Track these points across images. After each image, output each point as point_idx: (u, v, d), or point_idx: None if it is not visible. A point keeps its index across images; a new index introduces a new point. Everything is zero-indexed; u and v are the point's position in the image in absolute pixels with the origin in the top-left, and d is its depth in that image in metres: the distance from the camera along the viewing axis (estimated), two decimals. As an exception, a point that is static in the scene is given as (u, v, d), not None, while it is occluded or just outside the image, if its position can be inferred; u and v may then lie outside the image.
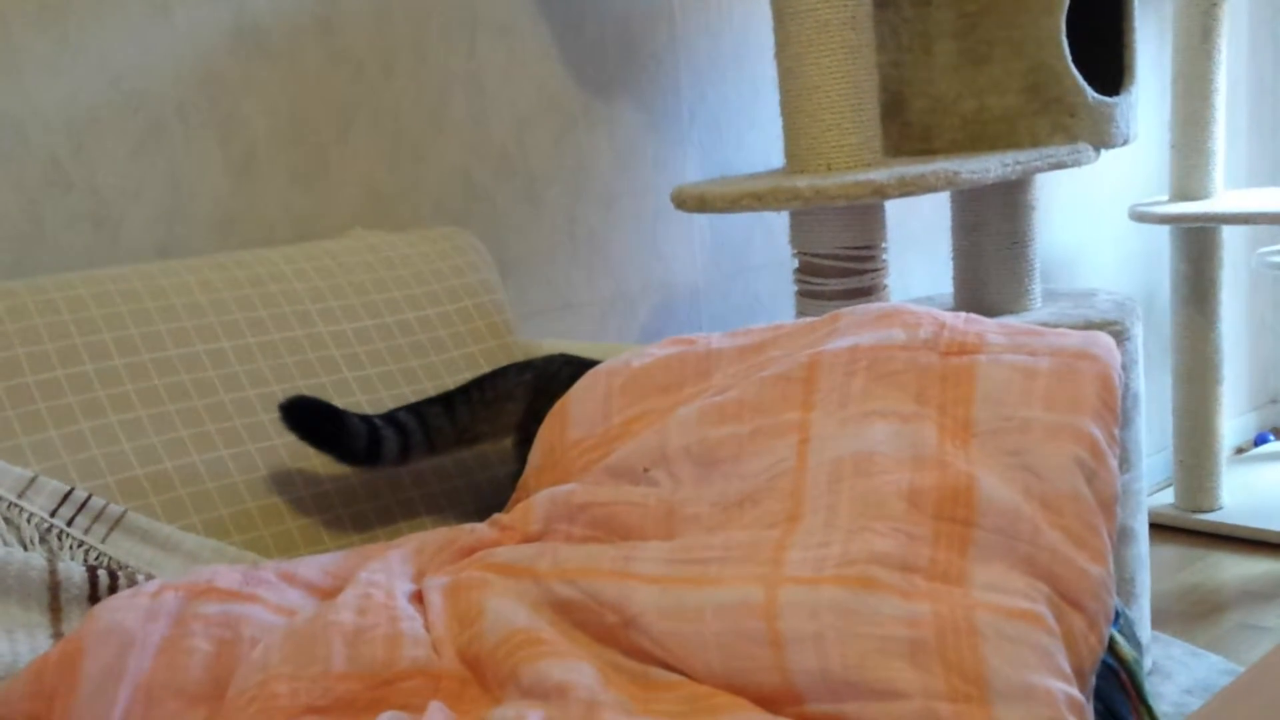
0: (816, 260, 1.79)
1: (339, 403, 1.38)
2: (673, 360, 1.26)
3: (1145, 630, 2.15)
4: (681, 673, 0.94)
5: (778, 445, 1.08)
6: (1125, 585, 2.07)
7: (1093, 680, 0.95)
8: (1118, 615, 1.16)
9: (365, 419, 1.36)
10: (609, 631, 0.99)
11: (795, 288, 1.85)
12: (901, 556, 0.93)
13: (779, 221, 2.31)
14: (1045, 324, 1.86)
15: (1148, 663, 2.17)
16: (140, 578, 1.13)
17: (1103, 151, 1.97)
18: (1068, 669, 0.89)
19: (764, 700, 0.90)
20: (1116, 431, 1.04)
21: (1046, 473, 0.99)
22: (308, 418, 1.34)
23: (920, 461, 1.01)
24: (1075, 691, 0.87)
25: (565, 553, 1.08)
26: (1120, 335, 1.94)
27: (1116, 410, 1.04)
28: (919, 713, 0.84)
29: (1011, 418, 1.04)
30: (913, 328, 1.16)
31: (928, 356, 1.12)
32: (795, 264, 1.84)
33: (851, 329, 1.19)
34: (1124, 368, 1.96)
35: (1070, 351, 1.08)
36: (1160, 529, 2.93)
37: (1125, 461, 2.03)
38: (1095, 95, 1.91)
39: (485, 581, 1.07)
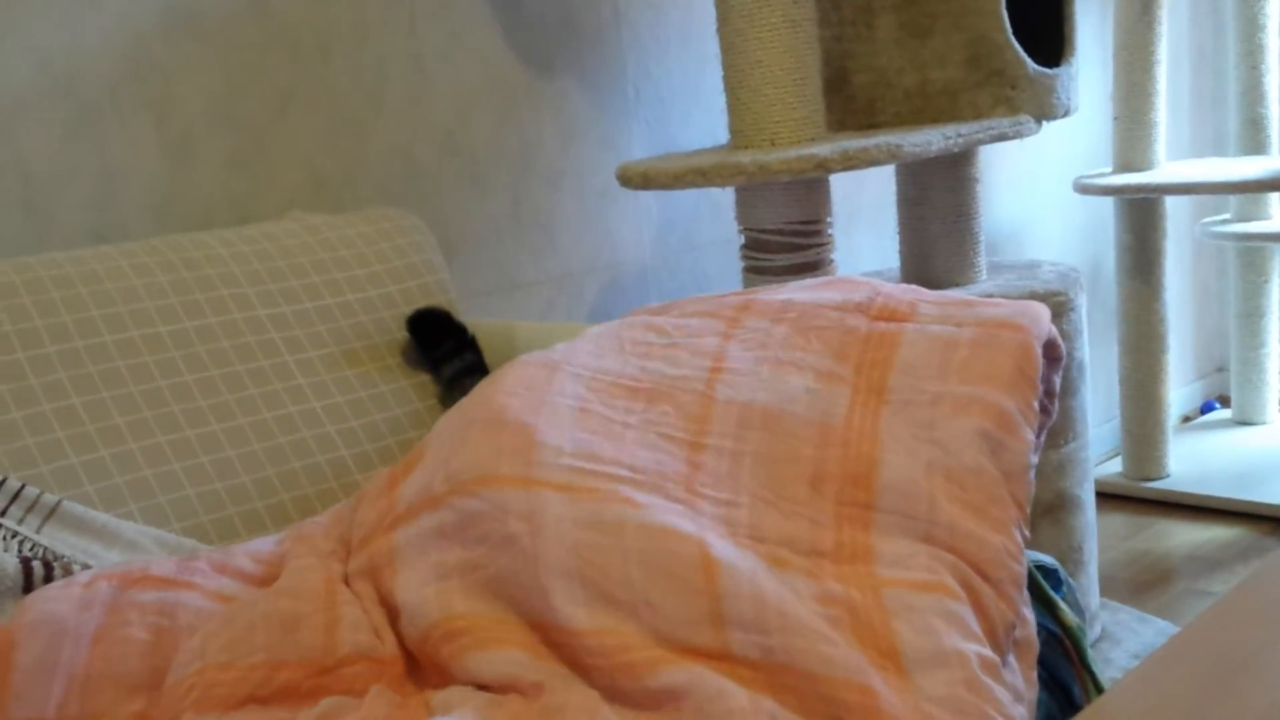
0: (762, 236, 1.79)
1: (279, 387, 1.36)
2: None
3: (1094, 597, 2.17)
4: (595, 586, 0.91)
5: (691, 360, 1.08)
6: (1073, 553, 2.09)
7: (1022, 640, 0.96)
8: (1061, 583, 1.17)
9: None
10: (517, 568, 0.93)
11: (742, 264, 1.84)
12: (809, 541, 0.94)
13: (726, 198, 2.30)
14: (989, 295, 1.87)
15: (1097, 629, 2.19)
16: (76, 568, 1.11)
17: (1045, 124, 1.98)
18: (979, 631, 0.90)
19: (681, 624, 0.89)
20: (1035, 400, 1.04)
21: (951, 446, 1.00)
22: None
23: (826, 435, 1.01)
24: (988, 651, 0.88)
25: (457, 464, 1.02)
26: (1064, 306, 1.95)
27: (1035, 379, 1.05)
28: (849, 660, 0.84)
29: (925, 390, 1.04)
30: (849, 293, 1.16)
31: (856, 319, 1.12)
32: (742, 240, 1.84)
33: (792, 291, 1.20)
34: (1068, 338, 1.98)
35: (995, 321, 1.09)
36: (1108, 497, 2.96)
37: (1071, 430, 2.04)
38: (1036, 67, 1.91)
39: (391, 553, 1.03)
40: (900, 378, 1.06)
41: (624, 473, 0.98)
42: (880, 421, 1.03)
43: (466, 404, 1.09)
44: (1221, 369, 3.69)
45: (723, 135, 2.28)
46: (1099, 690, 1.09)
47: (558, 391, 1.06)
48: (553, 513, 0.95)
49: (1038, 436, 1.10)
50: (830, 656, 0.84)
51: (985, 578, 0.94)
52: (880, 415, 1.03)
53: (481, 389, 1.09)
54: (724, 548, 0.91)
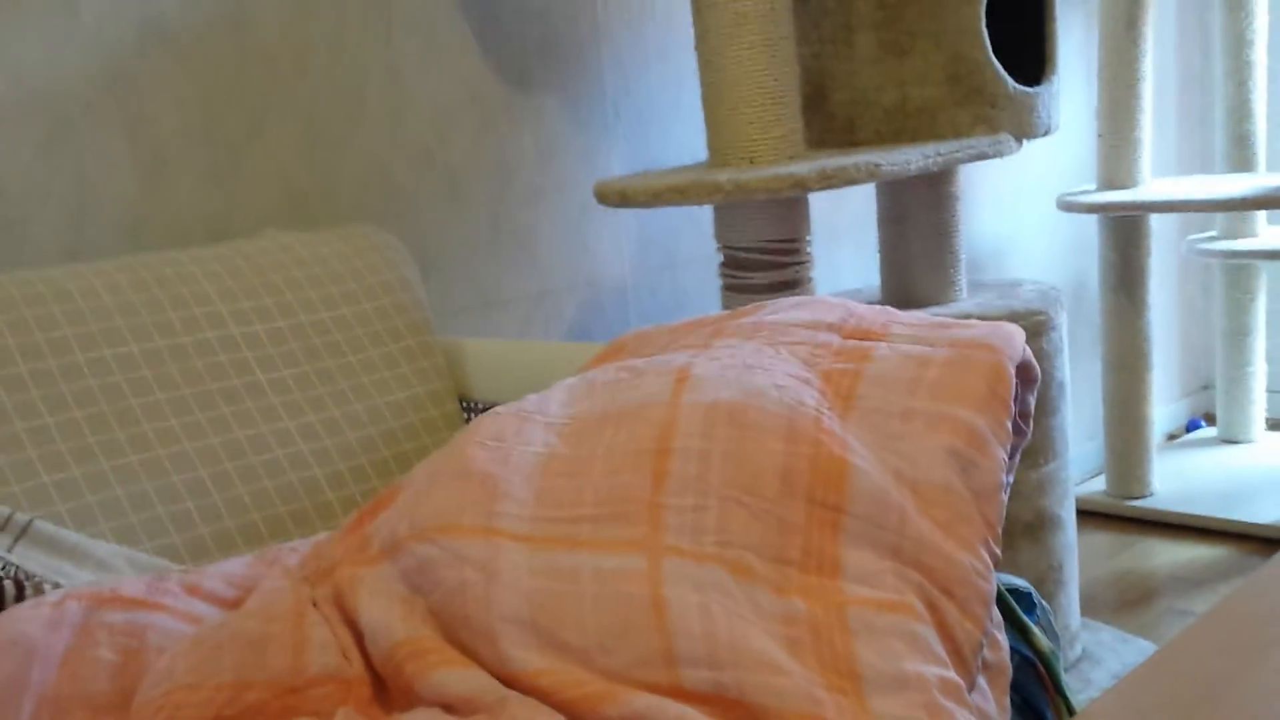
0: (741, 254, 1.79)
1: (251, 406, 1.36)
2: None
3: (1074, 617, 2.17)
4: (548, 634, 0.92)
5: (658, 381, 1.08)
6: (1053, 573, 2.08)
7: (983, 662, 0.96)
8: (1034, 606, 1.17)
9: None
10: (468, 613, 0.93)
11: (721, 282, 1.84)
12: (776, 548, 0.93)
13: (706, 215, 2.30)
14: (969, 315, 1.87)
15: (1078, 649, 2.18)
16: (48, 587, 1.11)
17: (1026, 142, 1.98)
18: (943, 654, 0.89)
19: (634, 665, 0.88)
20: (1008, 420, 1.04)
21: (920, 461, 0.99)
22: None
23: (794, 430, 1.00)
24: (950, 674, 0.88)
25: (422, 511, 1.03)
26: (1043, 325, 1.95)
27: (1007, 399, 1.04)
28: (800, 690, 0.84)
29: (895, 403, 1.04)
30: (822, 313, 1.16)
31: (828, 335, 1.13)
32: (721, 258, 1.83)
33: (764, 314, 1.20)
34: (1047, 357, 1.98)
35: (967, 342, 1.09)
36: (1091, 516, 2.96)
37: (1050, 450, 2.04)
38: (1016, 86, 1.92)
39: (356, 581, 1.03)
40: (870, 388, 1.06)
41: (586, 511, 0.98)
42: (848, 425, 1.02)
43: (440, 453, 1.10)
44: (1207, 387, 3.69)
45: (703, 151, 2.28)
46: (1072, 715, 1.08)
47: (526, 441, 1.07)
48: (509, 561, 0.95)
49: (1011, 456, 1.09)
50: (781, 689, 0.84)
51: (950, 596, 0.93)
52: (849, 419, 1.03)
53: (455, 440, 1.10)
54: (677, 580, 0.90)
